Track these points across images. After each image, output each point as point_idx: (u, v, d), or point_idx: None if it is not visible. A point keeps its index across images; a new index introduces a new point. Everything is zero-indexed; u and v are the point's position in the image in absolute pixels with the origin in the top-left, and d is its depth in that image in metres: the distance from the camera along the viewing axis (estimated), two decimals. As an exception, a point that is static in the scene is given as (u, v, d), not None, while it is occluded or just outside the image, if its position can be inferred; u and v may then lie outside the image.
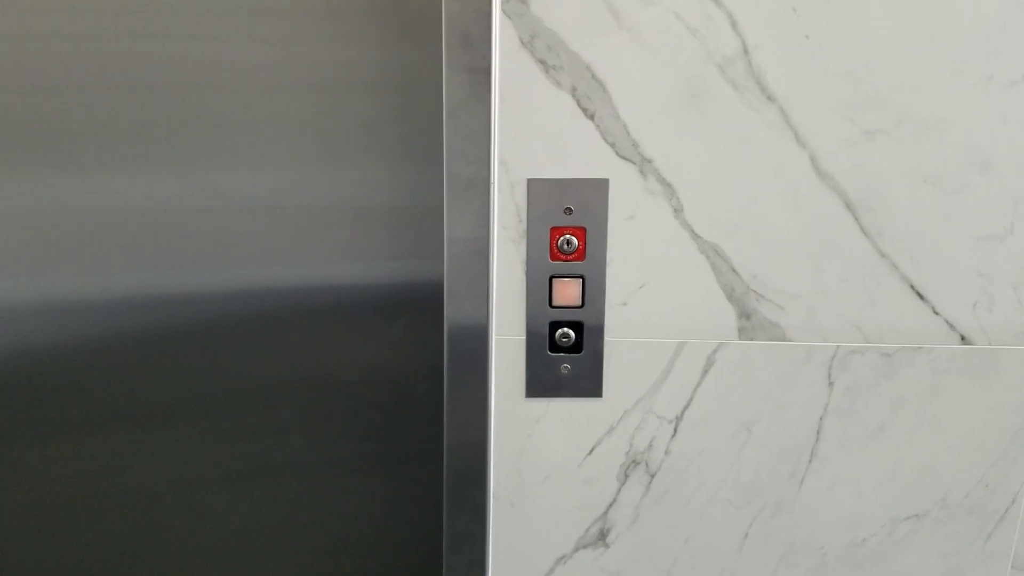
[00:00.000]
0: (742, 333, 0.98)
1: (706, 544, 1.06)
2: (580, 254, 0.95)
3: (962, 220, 0.94)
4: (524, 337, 0.98)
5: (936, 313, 0.97)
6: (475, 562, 1.06)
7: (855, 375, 0.99)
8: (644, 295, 0.97)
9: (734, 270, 0.96)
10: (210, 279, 1.04)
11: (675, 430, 1.01)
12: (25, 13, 0.97)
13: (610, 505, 1.04)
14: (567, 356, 0.99)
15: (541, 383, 0.99)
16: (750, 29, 0.89)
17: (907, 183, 0.93)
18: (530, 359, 0.99)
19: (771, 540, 1.05)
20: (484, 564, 1.06)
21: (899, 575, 1.06)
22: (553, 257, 0.96)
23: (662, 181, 0.93)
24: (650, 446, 1.02)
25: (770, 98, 0.91)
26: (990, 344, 0.98)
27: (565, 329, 0.98)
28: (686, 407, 1.00)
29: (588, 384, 0.99)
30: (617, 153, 0.93)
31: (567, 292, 0.97)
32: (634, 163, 0.93)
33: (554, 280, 0.96)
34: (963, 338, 0.98)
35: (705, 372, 0.99)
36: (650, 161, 0.93)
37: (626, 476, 1.03)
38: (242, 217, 1.02)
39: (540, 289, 0.97)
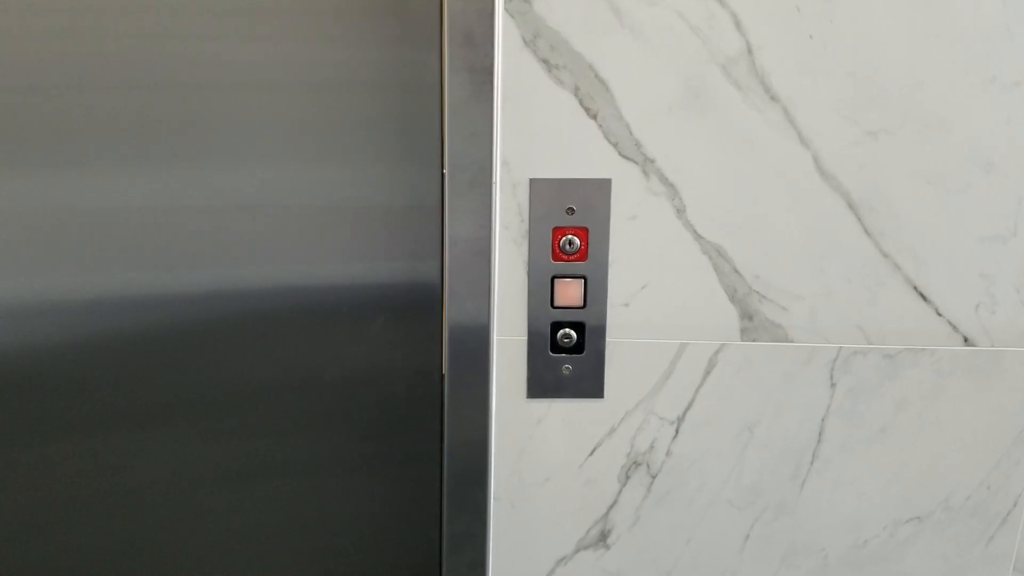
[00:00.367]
0: (744, 334, 0.98)
1: (707, 545, 1.05)
2: (582, 254, 0.95)
3: (965, 221, 0.94)
4: (525, 337, 0.98)
5: (939, 314, 0.97)
6: (476, 563, 1.05)
7: (857, 376, 0.99)
8: (646, 296, 0.96)
9: (736, 271, 0.96)
10: (205, 279, 1.03)
11: (677, 431, 1.01)
12: (21, 13, 0.96)
13: (611, 506, 1.04)
14: (569, 357, 0.98)
15: (542, 384, 0.99)
16: (753, 29, 0.89)
17: (910, 184, 0.93)
18: (531, 359, 0.98)
19: (772, 541, 1.05)
20: (484, 565, 1.06)
21: (901, 577, 1.06)
22: (555, 257, 0.95)
23: (665, 181, 0.93)
24: (651, 447, 1.01)
25: (773, 98, 0.90)
26: (993, 346, 0.98)
27: (567, 330, 0.97)
28: (688, 408, 1.00)
29: (590, 385, 0.99)
30: (620, 153, 0.92)
31: (569, 292, 0.96)
32: (637, 163, 0.92)
33: (556, 280, 0.96)
34: (966, 339, 0.98)
35: (707, 373, 0.99)
36: (653, 161, 0.92)
37: (627, 477, 1.03)
38: (236, 217, 1.01)
39: (542, 289, 0.96)
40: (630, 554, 1.05)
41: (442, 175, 1.00)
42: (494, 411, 1.00)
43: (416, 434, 1.09)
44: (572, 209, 0.94)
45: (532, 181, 0.93)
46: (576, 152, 0.92)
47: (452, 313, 0.97)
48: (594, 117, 0.91)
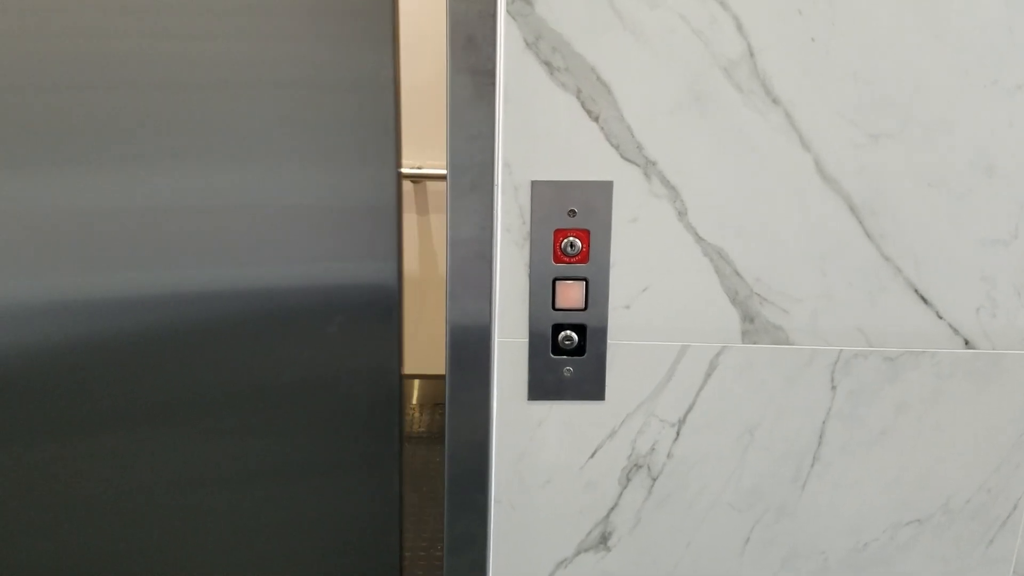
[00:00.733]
0: (745, 336, 0.98)
1: (708, 548, 1.05)
2: (584, 256, 0.95)
3: (967, 224, 0.94)
4: (527, 339, 0.98)
5: (940, 317, 0.97)
6: (476, 564, 1.05)
7: (858, 379, 0.99)
8: (647, 298, 0.96)
9: (738, 273, 0.96)
10: (154, 282, 1.02)
11: (678, 434, 1.01)
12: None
13: (612, 509, 1.04)
14: (570, 359, 0.98)
15: (543, 386, 0.99)
16: (755, 31, 0.89)
17: (912, 187, 0.93)
18: (532, 362, 0.98)
19: (773, 544, 1.05)
20: (485, 567, 1.06)
21: (901, 580, 1.06)
22: (556, 259, 0.95)
23: (666, 184, 0.93)
24: (652, 449, 1.01)
25: (775, 101, 0.90)
26: (993, 349, 0.98)
27: (568, 332, 0.97)
28: (689, 410, 1.00)
29: (591, 387, 0.99)
30: (621, 155, 0.92)
31: (570, 294, 0.96)
32: (638, 165, 0.92)
33: (557, 282, 0.96)
34: (967, 343, 0.98)
35: (708, 375, 0.99)
36: (654, 163, 0.92)
37: (628, 480, 1.03)
38: (181, 218, 1.00)
39: (543, 291, 0.96)
40: (631, 557, 1.05)
41: (398, 175, 1.00)
42: (495, 413, 1.00)
43: (375, 435, 1.08)
44: (574, 211, 0.94)
45: (534, 183, 0.93)
46: (578, 154, 0.92)
47: (453, 315, 0.97)
48: (596, 119, 0.91)
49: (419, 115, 2.86)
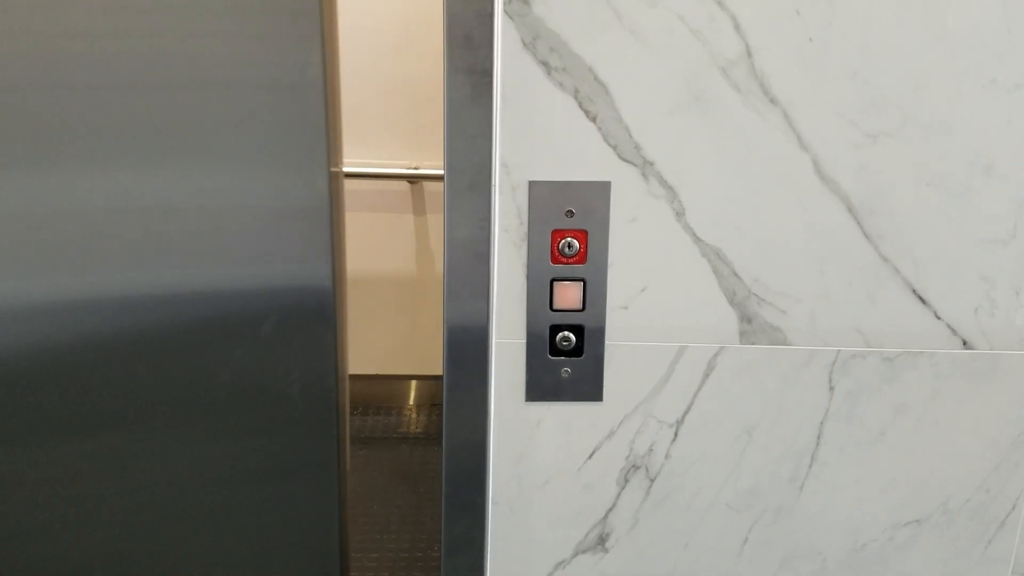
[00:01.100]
0: (743, 337, 0.97)
1: (706, 549, 1.05)
2: (581, 257, 0.95)
3: (965, 224, 0.94)
4: (524, 340, 0.98)
5: (938, 317, 0.97)
6: (474, 566, 1.05)
7: (856, 379, 0.99)
8: (645, 298, 0.96)
9: (736, 274, 0.95)
10: (73, 286, 1.00)
11: (675, 434, 1.01)
12: None
13: (609, 510, 1.04)
14: (567, 360, 0.98)
15: (541, 387, 0.99)
16: (753, 31, 0.88)
17: (910, 186, 0.93)
18: (530, 362, 0.98)
19: (771, 545, 1.05)
20: (483, 568, 1.06)
21: (899, 580, 1.06)
22: (554, 260, 0.95)
23: (664, 184, 0.93)
24: (650, 450, 1.01)
25: (773, 101, 0.90)
26: (992, 349, 0.98)
27: (566, 332, 0.97)
28: (687, 411, 1.00)
29: (588, 388, 0.99)
30: (619, 156, 0.92)
31: (568, 295, 0.96)
32: (636, 166, 0.92)
33: (555, 283, 0.96)
34: (965, 343, 0.98)
35: (706, 376, 0.99)
36: (652, 164, 0.92)
37: (626, 481, 1.02)
38: (109, 221, 0.99)
39: (541, 292, 0.96)
40: (629, 558, 1.05)
41: (330, 175, 0.98)
42: (492, 414, 1.00)
43: (311, 440, 1.07)
44: (571, 212, 0.94)
45: (531, 183, 0.93)
46: (575, 155, 0.92)
47: (451, 315, 0.96)
48: (594, 119, 0.91)
49: (418, 116, 2.86)
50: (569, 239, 0.94)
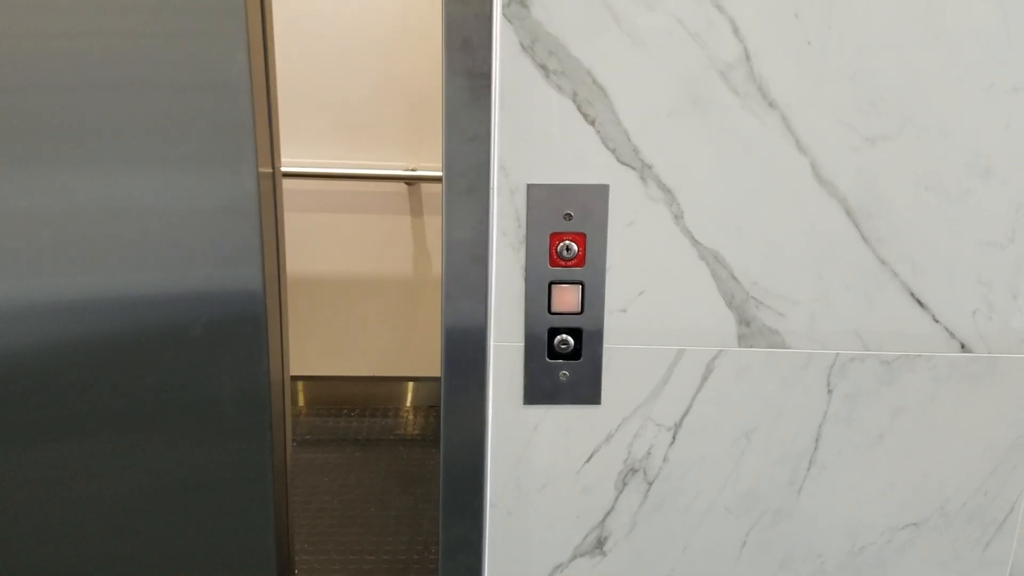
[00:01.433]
0: (742, 340, 0.97)
1: (704, 552, 1.05)
2: (580, 260, 0.95)
3: (963, 227, 0.94)
4: (522, 343, 0.98)
5: (936, 321, 0.97)
6: (471, 569, 1.05)
7: (854, 383, 0.99)
8: (644, 302, 0.96)
9: (734, 277, 0.95)
10: (11, 290, 0.99)
11: (674, 437, 1.01)
12: None
13: (608, 513, 1.03)
14: (566, 363, 0.98)
15: (539, 390, 0.99)
16: (752, 35, 0.88)
17: (908, 189, 0.93)
18: (528, 365, 0.98)
19: (769, 548, 1.05)
20: (480, 571, 1.05)
21: (898, 583, 1.06)
22: (552, 263, 0.95)
23: (662, 187, 0.93)
24: (648, 454, 1.01)
25: (771, 104, 0.90)
26: (989, 352, 0.98)
27: (564, 335, 0.97)
28: (685, 414, 1.00)
29: (587, 391, 0.99)
30: (618, 159, 0.92)
31: (566, 298, 0.96)
32: (634, 169, 0.92)
33: (553, 286, 0.96)
34: (963, 346, 0.98)
35: (704, 379, 0.99)
36: (650, 167, 0.92)
37: (624, 484, 1.02)
38: (28, 223, 0.97)
39: (539, 295, 0.96)
40: (627, 561, 1.05)
41: (259, 175, 0.98)
42: (490, 417, 1.00)
43: (244, 444, 1.06)
44: (570, 215, 0.93)
45: (530, 187, 0.93)
46: (574, 158, 0.92)
47: (449, 318, 0.96)
48: (592, 123, 0.91)
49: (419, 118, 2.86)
50: (567, 242, 0.94)
